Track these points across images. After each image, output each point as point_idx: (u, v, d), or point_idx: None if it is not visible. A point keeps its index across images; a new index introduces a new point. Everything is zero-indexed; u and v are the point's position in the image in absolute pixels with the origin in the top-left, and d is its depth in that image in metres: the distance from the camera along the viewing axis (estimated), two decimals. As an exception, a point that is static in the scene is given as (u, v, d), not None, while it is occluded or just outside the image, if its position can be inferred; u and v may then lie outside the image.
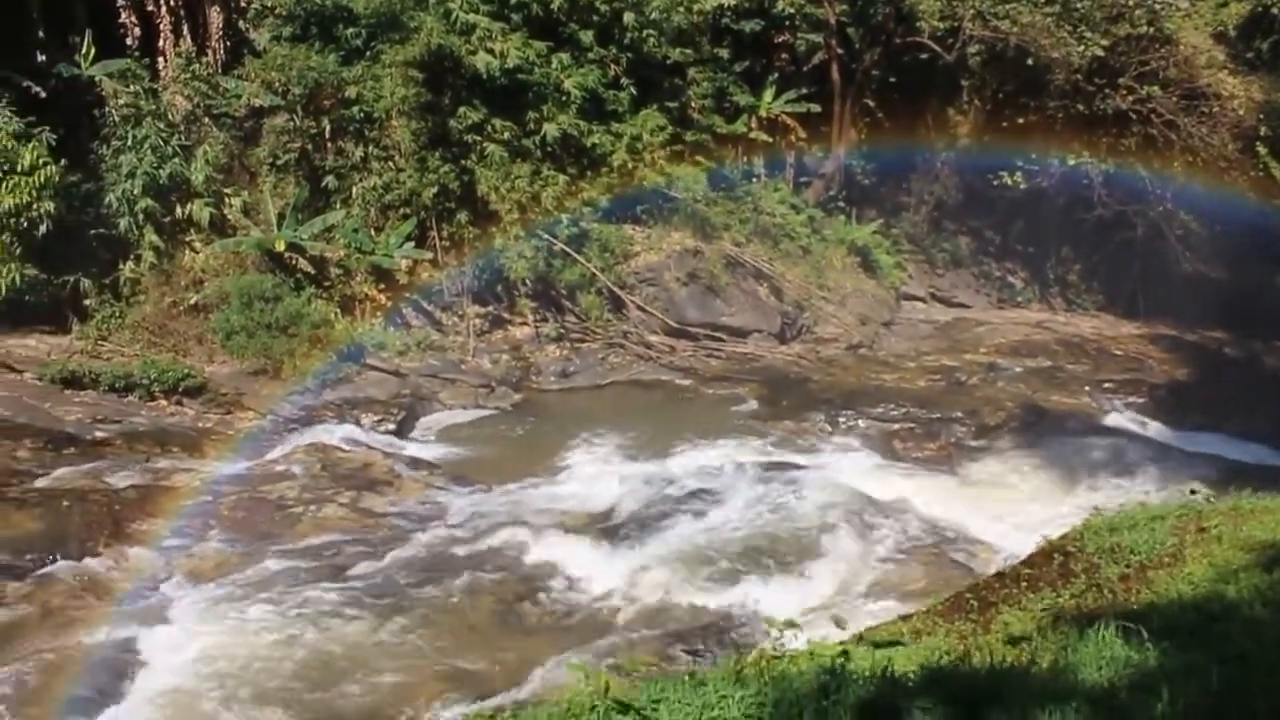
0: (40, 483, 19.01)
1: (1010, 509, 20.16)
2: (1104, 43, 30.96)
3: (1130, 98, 32.05)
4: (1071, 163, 32.98)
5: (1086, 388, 27.97)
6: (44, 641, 14.42)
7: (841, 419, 24.95)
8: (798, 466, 21.59)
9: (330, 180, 27.67)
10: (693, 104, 32.60)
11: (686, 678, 5.76)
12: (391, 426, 23.57)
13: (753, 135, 33.68)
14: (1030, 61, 32.11)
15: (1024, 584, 10.24)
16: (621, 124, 30.35)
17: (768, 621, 7.43)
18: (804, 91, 34.23)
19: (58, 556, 16.61)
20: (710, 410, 25.58)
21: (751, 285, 31.10)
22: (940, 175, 35.72)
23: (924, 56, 34.16)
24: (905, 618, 11.06)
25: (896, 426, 24.58)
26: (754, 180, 33.58)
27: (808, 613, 14.65)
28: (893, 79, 35.43)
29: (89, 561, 16.60)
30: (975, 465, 22.88)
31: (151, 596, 15.93)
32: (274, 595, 15.71)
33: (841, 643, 8.03)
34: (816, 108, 33.97)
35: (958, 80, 34.74)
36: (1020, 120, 33.93)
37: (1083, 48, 30.94)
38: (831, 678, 5.63)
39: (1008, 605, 9.90)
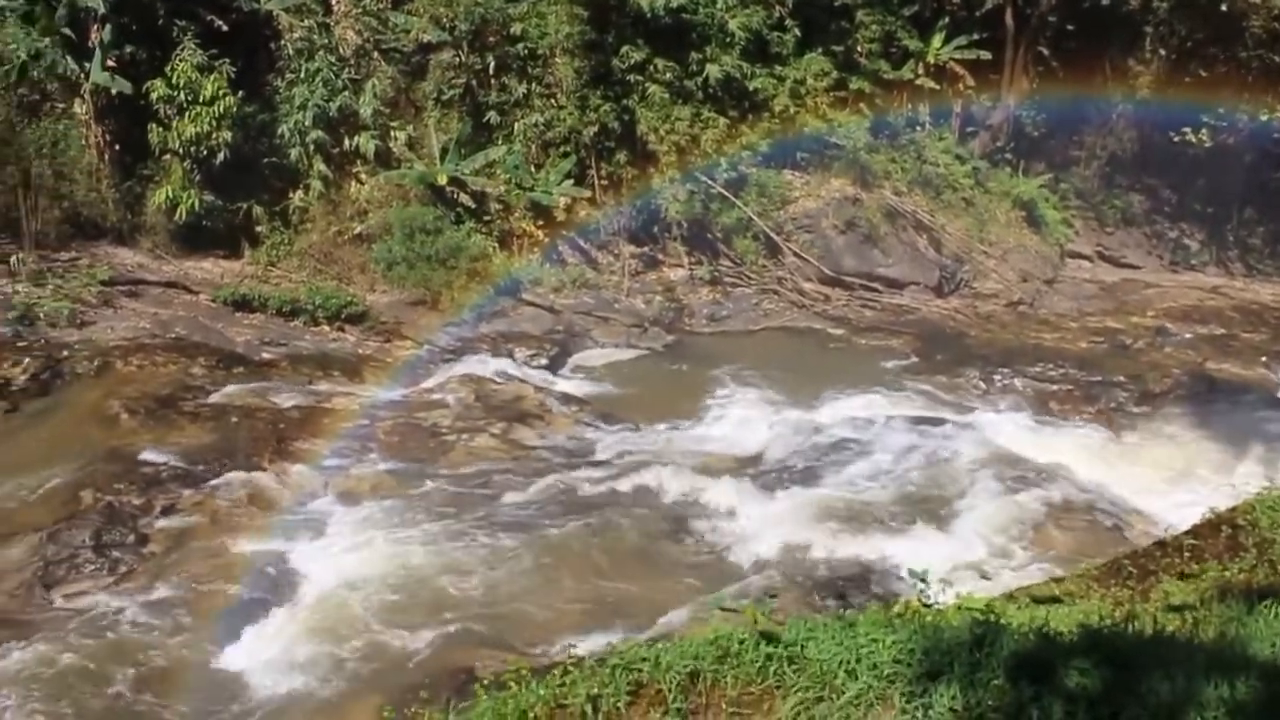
0: (212, 398, 19.97)
1: (1172, 479, 19.37)
2: (1313, -15, 28.85)
3: (1338, 47, 29.89)
4: (1264, 118, 30.99)
5: (1263, 358, 26.61)
6: (212, 547, 15.23)
7: (997, 377, 24.34)
8: (949, 422, 21.14)
9: (493, 116, 28.00)
10: (859, 48, 31.85)
11: (835, 619, 5.70)
12: (544, 361, 23.99)
13: (919, 82, 32.68)
14: (1224, 7, 30.16)
15: (1187, 554, 9.80)
16: (785, 67, 29.92)
17: (914, 573, 7.28)
18: (975, 38, 32.97)
19: (226, 468, 17.45)
20: (862, 361, 25.26)
21: (911, 236, 30.43)
22: (1115, 128, 34.13)
23: (1105, 2, 32.50)
24: (1057, 580, 10.75)
25: (1054, 387, 23.86)
26: (918, 128, 32.68)
27: (954, 569, 14.37)
28: (1070, 26, 33.87)
29: (254, 475, 17.38)
30: (1136, 432, 22.03)
31: (310, 511, 16.62)
32: (425, 518, 16.21)
33: (993, 598, 7.86)
34: (987, 55, 32.72)
35: (1141, 28, 33.02)
36: (1207, 71, 32.07)
37: (1287, -10, 28.93)
38: (985, 629, 5.49)
39: (1168, 575, 9.50)
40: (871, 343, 26.66)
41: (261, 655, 13.00)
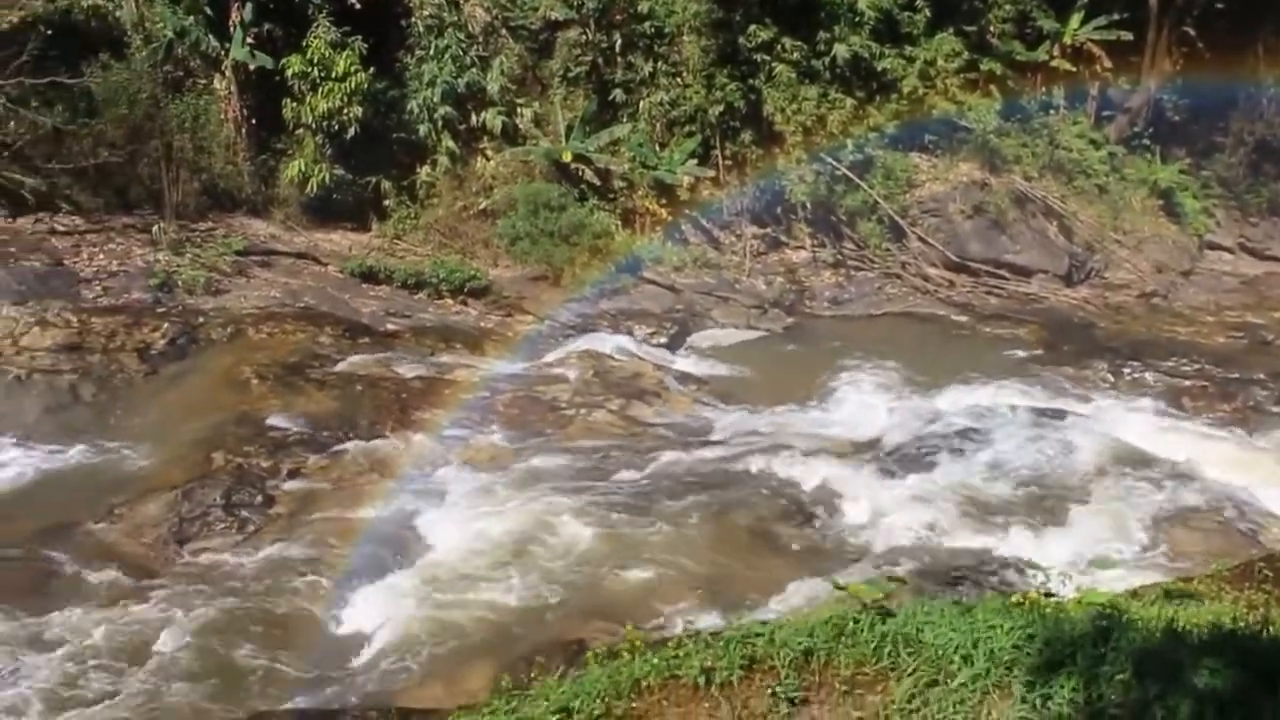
0: (338, 367, 20.51)
1: (1313, 483, 18.52)
2: None
3: None
4: None
5: None
6: (335, 511, 15.68)
7: (1126, 370, 23.56)
8: (1075, 415, 20.51)
9: (618, 94, 28.12)
10: (992, 28, 31.07)
11: (952, 604, 5.62)
12: (663, 340, 24.06)
13: (1054, 64, 31.72)
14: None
15: (1329, 560, 9.41)
16: (915, 47, 29.37)
17: (1033, 565, 7.11)
18: (1115, 18, 31.80)
19: (350, 435, 17.93)
20: (986, 349, 24.75)
21: (1040, 223, 29.67)
22: (1266, 113, 32.65)
23: (1260, -19, 31.10)
24: (1186, 580, 10.42)
25: (1187, 383, 22.97)
26: (1051, 112, 31.76)
27: (1075, 563, 14.02)
28: (1220, 4, 32.45)
29: (376, 442, 17.82)
30: (1275, 432, 21.10)
31: (430, 479, 16.93)
32: (543, 490, 16.37)
33: (1117, 594, 7.65)
34: (1128, 35, 31.54)
35: (1302, 6, 31.44)
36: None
37: None
38: (1110, 623, 5.35)
39: (1309, 582, 9.13)
40: (996, 331, 26.08)
41: (379, 617, 13.33)
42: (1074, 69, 31.90)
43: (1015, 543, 15.49)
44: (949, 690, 4.95)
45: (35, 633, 12.60)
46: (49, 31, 24.32)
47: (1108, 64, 32.03)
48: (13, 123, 23.68)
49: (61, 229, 23.66)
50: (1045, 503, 17.04)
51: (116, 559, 14.38)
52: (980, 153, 29.72)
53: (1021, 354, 24.60)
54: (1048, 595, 6.38)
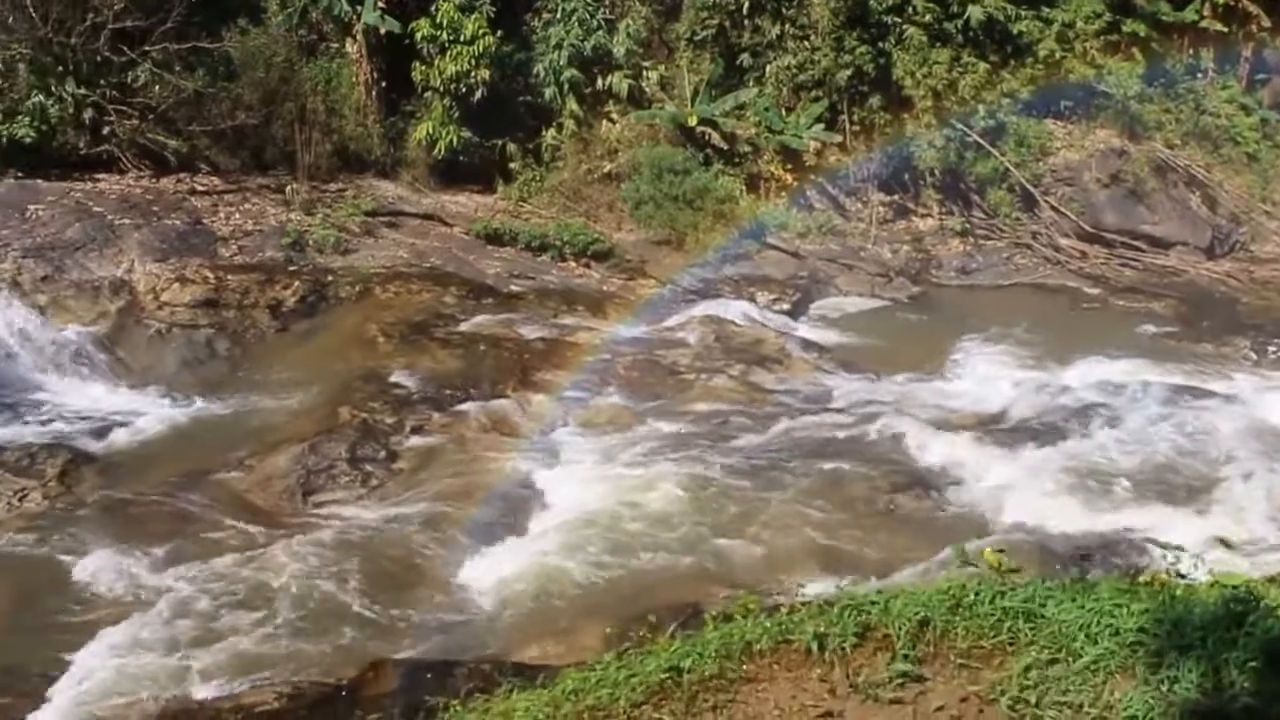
0: (462, 327, 20.84)
1: None
2: None
3: None
4: None
5: None
6: (456, 468, 15.97)
7: (1271, 348, 22.58)
8: (1213, 393, 19.73)
9: (745, 58, 27.83)
10: (1137, -13, 29.85)
11: (1075, 581, 5.45)
12: (786, 306, 23.86)
13: (1204, 24, 30.24)
14: None
15: None
16: (1052, 9, 28.41)
17: (1162, 545, 6.85)
18: (1276, -28, 30.30)
19: (472, 394, 18.23)
20: (1118, 323, 23.97)
21: (1181, 192, 28.49)
22: None
23: None
24: (1328, 566, 9.96)
25: (1340, 364, 21.95)
26: (1198, 76, 30.37)
27: (1207, 547, 13.47)
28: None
29: (498, 402, 18.10)
30: None
31: (550, 440, 17.16)
32: (661, 453, 16.44)
33: (1254, 579, 7.33)
34: (1289, -8, 30.03)
35: None
36: None
37: None
38: (1244, 608, 5.11)
39: None
40: (1130, 304, 25.22)
41: (496, 573, 13.56)
42: (1226, 29, 30.37)
43: (1144, 522, 15.01)
44: (1070, 669, 4.81)
45: (168, 575, 13.17)
46: (191, -2, 25.07)
47: (1265, 23, 30.35)
48: (158, 87, 24.52)
49: (201, 189, 24.44)
50: (1178, 482, 16.49)
51: (245, 508, 14.93)
52: (1119, 119, 28.64)
53: (1156, 329, 23.78)
54: (1178, 576, 6.15)
